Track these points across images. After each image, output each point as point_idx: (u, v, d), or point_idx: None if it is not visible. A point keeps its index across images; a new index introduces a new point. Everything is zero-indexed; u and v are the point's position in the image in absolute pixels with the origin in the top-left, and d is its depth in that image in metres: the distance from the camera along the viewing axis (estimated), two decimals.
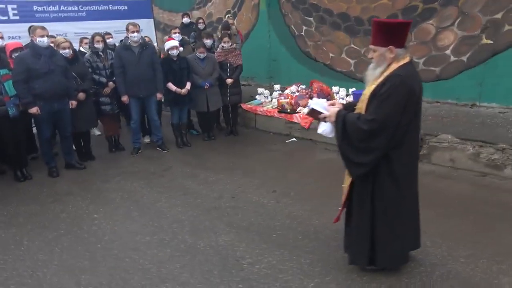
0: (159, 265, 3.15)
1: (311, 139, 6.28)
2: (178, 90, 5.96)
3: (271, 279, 2.91)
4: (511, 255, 2.98)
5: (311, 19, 8.01)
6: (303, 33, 8.25)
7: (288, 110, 6.72)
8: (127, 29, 5.55)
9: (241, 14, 9.36)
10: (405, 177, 2.67)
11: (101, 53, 5.70)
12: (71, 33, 7.28)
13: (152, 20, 8.80)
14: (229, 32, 7.08)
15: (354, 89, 7.11)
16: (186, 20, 8.29)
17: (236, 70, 6.59)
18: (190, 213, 3.99)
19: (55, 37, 5.67)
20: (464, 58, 6.17)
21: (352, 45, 7.49)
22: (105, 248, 3.43)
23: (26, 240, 3.60)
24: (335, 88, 7.23)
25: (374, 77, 2.66)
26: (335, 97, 7.06)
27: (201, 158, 5.67)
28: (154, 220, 3.88)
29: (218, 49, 6.56)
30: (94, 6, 7.84)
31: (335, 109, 2.76)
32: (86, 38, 6.19)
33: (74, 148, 5.66)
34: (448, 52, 6.33)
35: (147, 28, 8.60)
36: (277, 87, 7.92)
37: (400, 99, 2.48)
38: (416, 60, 6.70)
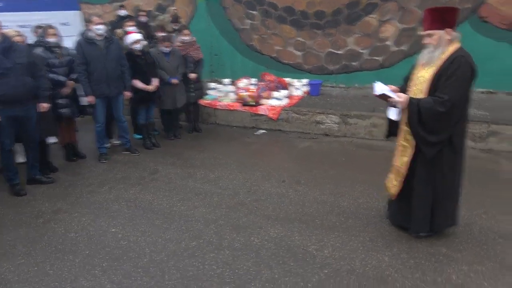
0: (229, 267, 2.97)
1: (280, 130, 6.44)
2: (146, 87, 5.52)
3: (349, 260, 3.01)
4: None
5: (255, 12, 8.11)
6: (247, 27, 8.30)
7: (252, 103, 6.75)
8: (90, 21, 4.92)
9: (175, 6, 8.95)
10: (461, 146, 3.02)
11: (55, 49, 4.93)
12: None
13: (79, 12, 7.83)
14: (184, 24, 6.77)
15: (306, 80, 7.49)
16: (122, 12, 7.62)
17: (199, 65, 6.36)
18: (218, 212, 3.81)
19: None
20: (404, 48, 7.00)
21: (298, 38, 7.83)
22: (154, 261, 3.08)
23: (66, 272, 3.00)
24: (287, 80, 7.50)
25: (432, 59, 2.91)
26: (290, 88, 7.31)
27: (182, 158, 5.37)
28: (185, 225, 3.61)
29: (178, 43, 6.24)
30: None
31: (406, 95, 2.95)
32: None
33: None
34: (389, 43, 7.10)
35: (74, 21, 7.63)
36: (226, 81, 7.85)
37: (468, 78, 2.79)
38: (360, 51, 7.37)
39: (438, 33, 2.86)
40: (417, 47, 6.81)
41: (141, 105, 5.69)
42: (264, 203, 3.96)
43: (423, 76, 2.97)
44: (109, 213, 3.89)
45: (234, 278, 2.86)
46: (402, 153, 3.17)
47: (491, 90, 6.37)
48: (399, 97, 2.96)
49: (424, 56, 3.01)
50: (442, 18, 2.86)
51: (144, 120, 5.80)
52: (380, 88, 3.07)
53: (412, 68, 3.21)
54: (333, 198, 4.01)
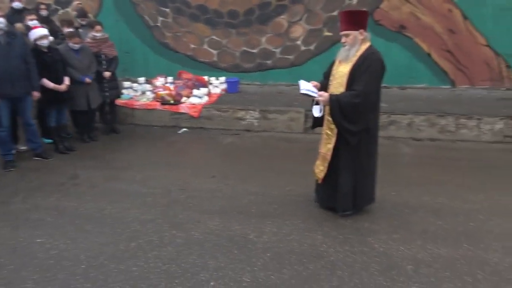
0: (175, 263, 2.98)
1: (202, 127, 6.50)
2: (57, 86, 5.14)
3: (287, 242, 3.24)
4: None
5: (168, 10, 8.01)
6: (159, 24, 8.16)
7: (172, 102, 6.69)
8: None
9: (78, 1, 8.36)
10: (376, 132, 3.47)
11: None
12: None
13: None
14: (95, 19, 6.41)
15: (224, 78, 7.66)
16: (17, 4, 6.87)
17: (113, 62, 6.11)
18: (154, 212, 3.76)
19: None
20: (312, 47, 7.58)
21: (213, 37, 7.96)
22: (93, 266, 2.93)
23: None
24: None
25: (349, 57, 3.29)
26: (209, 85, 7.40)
27: (104, 160, 5.13)
28: (119, 227, 3.48)
29: (88, 39, 5.90)
30: None
31: (326, 94, 3.27)
32: None
33: None
34: (299, 42, 7.63)
35: None
36: (142, 80, 7.64)
37: (379, 71, 3.22)
38: (273, 50, 7.79)
39: (353, 33, 3.24)
40: (323, 46, 7.46)
41: (51, 106, 5.25)
42: (198, 199, 4.01)
43: (341, 71, 3.34)
44: (29, 223, 3.57)
45: (182, 271, 2.88)
46: (327, 140, 3.51)
47: (386, 85, 7.25)
48: (321, 96, 3.28)
49: (341, 53, 3.38)
50: (356, 20, 3.25)
51: (55, 122, 5.37)
52: (304, 85, 3.36)
53: (331, 65, 3.57)
54: (263, 188, 4.23)
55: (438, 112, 5.70)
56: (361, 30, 3.24)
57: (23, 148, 5.41)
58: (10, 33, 4.58)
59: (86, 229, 3.46)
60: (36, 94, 4.92)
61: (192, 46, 8.09)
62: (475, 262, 2.90)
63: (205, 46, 8.04)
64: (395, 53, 7.07)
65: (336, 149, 3.45)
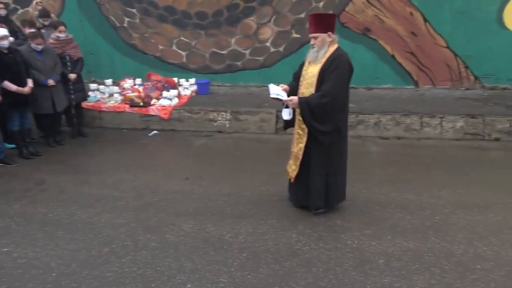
0: (150, 266, 2.95)
1: (173, 129, 6.44)
2: (20, 89, 4.95)
3: (262, 242, 3.27)
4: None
5: (134, 10, 7.88)
6: (125, 25, 8.01)
7: (141, 104, 6.59)
8: None
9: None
10: (345, 132, 3.58)
11: None
12: None
13: None
14: (58, 20, 6.20)
15: (194, 79, 7.61)
16: None
17: (78, 64, 5.96)
18: (126, 216, 3.70)
19: None
20: (281, 49, 7.68)
21: (182, 38, 7.89)
22: (65, 274, 2.85)
23: None
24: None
25: (317, 58, 3.38)
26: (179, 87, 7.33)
27: (71, 164, 4.98)
28: (91, 232, 3.41)
29: (52, 40, 5.71)
30: None
31: (295, 97, 3.34)
32: None
33: None
34: (268, 44, 7.70)
35: None
36: (109, 82, 7.46)
37: (346, 72, 3.32)
38: (242, 51, 7.83)
39: (321, 35, 3.32)
40: (292, 48, 7.57)
41: (14, 109, 5.04)
42: (171, 201, 3.98)
43: (311, 72, 3.42)
44: None
45: (158, 275, 2.86)
46: (298, 140, 3.58)
47: (353, 86, 7.45)
48: (290, 99, 3.34)
49: (311, 55, 3.46)
50: (325, 23, 3.34)
51: (19, 126, 5.16)
52: (273, 89, 3.42)
53: (301, 66, 3.65)
54: (236, 189, 4.25)
55: (403, 112, 5.93)
56: (329, 33, 3.32)
57: None
58: None
59: (56, 236, 3.36)
60: None
61: (161, 47, 7.99)
62: (442, 254, 3.05)
63: (174, 48, 7.96)
64: (361, 55, 7.27)
65: (307, 148, 3.52)
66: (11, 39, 5.08)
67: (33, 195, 4.12)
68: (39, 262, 3.00)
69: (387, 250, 3.13)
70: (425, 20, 7.03)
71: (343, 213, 3.69)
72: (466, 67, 7.12)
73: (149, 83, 7.18)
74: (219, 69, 7.96)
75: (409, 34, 7.16)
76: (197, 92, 7.36)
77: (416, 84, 7.39)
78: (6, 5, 7.14)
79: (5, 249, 3.16)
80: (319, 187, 3.55)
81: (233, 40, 7.71)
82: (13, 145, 5.38)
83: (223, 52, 7.82)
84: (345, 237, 3.32)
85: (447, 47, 7.08)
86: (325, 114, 3.29)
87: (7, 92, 4.83)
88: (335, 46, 3.39)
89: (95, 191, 4.19)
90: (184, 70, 8.00)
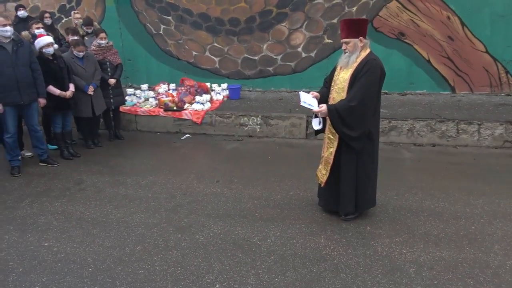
0: (180, 266, 3.03)
1: (204, 133, 6.57)
2: (63, 93, 5.22)
3: (290, 246, 3.28)
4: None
5: (170, 18, 8.12)
6: (161, 32, 8.27)
7: (175, 108, 6.77)
8: None
9: (81, 9, 8.51)
10: (377, 137, 3.54)
11: None
12: None
13: None
14: (100, 27, 6.52)
15: (226, 84, 7.74)
16: (22, 13, 7.01)
17: (117, 69, 6.20)
18: (158, 216, 3.81)
19: None
20: (313, 54, 7.67)
21: (215, 44, 8.06)
22: (100, 269, 2.98)
23: None
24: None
25: (349, 63, 3.37)
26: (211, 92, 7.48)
27: (108, 166, 5.18)
28: (125, 231, 3.54)
29: (93, 47, 6.00)
30: None
31: (324, 105, 3.35)
32: None
33: None
34: (299, 49, 7.72)
35: None
36: (144, 86, 7.72)
37: (377, 77, 3.29)
38: (274, 57, 7.89)
39: (353, 41, 3.32)
40: (323, 53, 7.55)
41: (56, 113, 5.33)
42: (202, 203, 4.07)
43: (343, 77, 3.41)
44: (37, 227, 3.62)
45: (187, 274, 2.93)
46: (329, 145, 3.58)
47: (386, 91, 7.34)
48: (320, 110, 3.35)
49: (342, 60, 3.46)
50: (356, 28, 3.33)
51: (61, 129, 5.44)
52: (304, 97, 3.44)
53: (332, 71, 3.65)
54: (266, 193, 4.28)
55: (438, 118, 5.77)
56: (361, 38, 3.31)
57: (29, 154, 5.49)
58: (17, 41, 4.66)
59: (93, 233, 3.51)
60: (42, 101, 5.00)
61: (194, 53, 8.19)
62: (477, 265, 2.94)
63: (207, 53, 8.14)
64: (395, 60, 7.15)
65: (338, 153, 3.50)
66: (56, 46, 5.37)
67: (72, 194, 4.33)
68: (76, 257, 3.15)
69: (418, 258, 3.06)
70: (463, 24, 6.82)
71: (373, 220, 3.64)
72: (507, 72, 6.84)
73: (182, 88, 7.37)
74: (251, 75, 8.06)
75: (445, 39, 6.97)
76: (228, 97, 7.48)
77: (452, 89, 7.17)
78: (52, 15, 7.57)
79: (46, 244, 3.35)
80: (349, 193, 3.52)
81: (265, 46, 7.79)
82: (55, 146, 5.68)
83: (255, 57, 7.92)
84: (375, 244, 3.27)
85: (486, 52, 6.83)
86: (354, 119, 3.27)
87: (51, 96, 5.11)
88: (367, 51, 3.38)
89: (130, 192, 4.35)
90: (217, 76, 8.16)
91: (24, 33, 5.53)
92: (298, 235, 3.43)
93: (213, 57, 8.14)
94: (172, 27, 8.17)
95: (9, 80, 4.58)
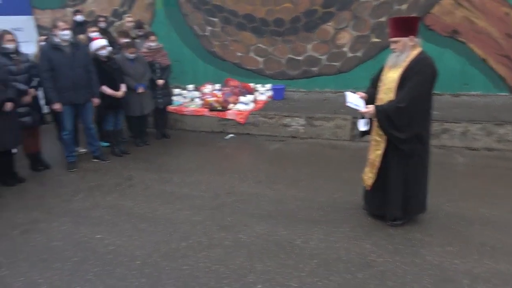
0: (223, 264, 3.06)
1: (248, 133, 6.61)
2: (114, 93, 5.46)
3: (334, 249, 3.22)
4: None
5: (216, 19, 8.25)
6: (207, 33, 8.42)
7: (219, 108, 6.86)
8: (55, 26, 4.80)
9: (133, 13, 8.86)
10: (428, 140, 3.38)
11: (13, 55, 4.74)
12: None
13: (32, 17, 7.47)
14: (150, 30, 6.76)
15: (270, 85, 7.75)
16: (79, 17, 7.42)
17: (166, 71, 6.38)
18: (203, 214, 3.88)
19: None
20: (359, 54, 7.48)
21: (259, 45, 8.08)
22: (147, 263, 3.09)
23: (57, 280, 2.92)
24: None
25: (398, 63, 3.24)
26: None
27: (155, 163, 5.36)
28: (171, 227, 3.64)
29: (144, 49, 6.22)
30: None
31: (372, 106, 3.25)
32: None
33: None
34: (345, 49, 7.56)
35: (27, 27, 7.29)
36: (191, 87, 7.90)
37: (429, 77, 3.14)
38: (319, 57, 7.77)
39: (403, 39, 3.19)
40: (370, 53, 7.34)
41: (109, 111, 5.59)
42: (245, 203, 4.09)
43: (391, 77, 3.29)
44: (90, 220, 3.81)
45: (230, 273, 2.96)
46: (376, 147, 3.47)
47: (438, 92, 7.00)
48: (367, 110, 3.25)
49: (391, 59, 3.34)
50: (406, 27, 3.20)
51: (112, 127, 5.70)
52: (350, 98, 3.35)
53: (379, 71, 3.53)
54: (310, 194, 4.23)
55: (495, 121, 5.41)
56: (411, 36, 3.18)
57: (83, 150, 5.80)
58: (74, 44, 4.94)
59: (141, 228, 3.64)
60: (96, 101, 5.26)
61: (239, 54, 8.27)
62: None
63: (252, 54, 8.19)
64: (448, 59, 6.81)
65: (385, 155, 3.39)
66: (109, 48, 5.63)
67: (122, 189, 4.52)
68: (125, 250, 3.28)
69: (472, 270, 2.89)
70: None
71: (423, 227, 3.48)
72: None
73: (227, 89, 7.46)
74: (295, 75, 8.00)
75: (504, 36, 6.53)
76: (272, 98, 7.48)
77: (511, 90, 6.71)
78: (106, 18, 7.96)
79: (99, 236, 3.52)
80: (397, 197, 3.40)
81: (309, 46, 7.71)
82: (107, 144, 5.97)
83: (299, 58, 7.86)
84: (425, 252, 3.13)
85: None
86: (404, 120, 3.15)
87: (104, 96, 5.36)
88: (418, 49, 3.24)
89: (176, 189, 4.47)
90: (261, 76, 8.19)
91: (81, 37, 5.85)
92: (343, 239, 3.36)
93: (257, 57, 8.18)
94: (218, 29, 8.29)
95: (67, 81, 4.85)
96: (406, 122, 3.16)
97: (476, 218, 3.58)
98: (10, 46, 4.67)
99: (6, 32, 4.73)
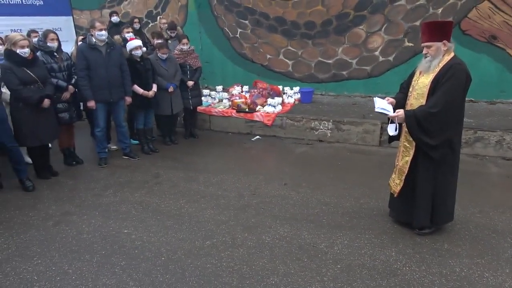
0: (246, 264, 3.09)
1: (274, 136, 6.61)
2: (145, 92, 5.60)
3: (358, 256, 3.18)
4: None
5: (247, 22, 8.32)
6: (238, 35, 8.50)
7: (247, 110, 6.91)
8: (93, 26, 4.98)
9: (166, 14, 9.08)
10: (459, 147, 3.28)
11: (55, 53, 4.96)
12: None
13: (71, 18, 7.79)
14: (183, 33, 6.91)
15: (298, 88, 7.74)
16: (115, 19, 7.66)
17: (196, 72, 6.48)
18: (227, 214, 3.92)
19: None
20: (391, 58, 7.35)
21: (289, 47, 8.09)
22: (172, 259, 3.16)
23: (86, 271, 3.05)
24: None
25: (430, 68, 3.16)
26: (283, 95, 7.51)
27: (183, 162, 5.45)
28: (196, 225, 3.70)
29: (176, 51, 6.34)
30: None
31: (401, 110, 3.19)
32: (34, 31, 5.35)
33: (31, 163, 4.89)
34: (377, 53, 7.44)
35: (66, 27, 7.59)
36: (219, 88, 7.99)
37: (462, 82, 3.04)
38: (349, 60, 7.69)
39: (435, 44, 3.11)
40: (403, 57, 7.20)
41: (140, 110, 5.74)
42: (269, 205, 4.10)
43: (422, 82, 3.22)
44: (118, 215, 3.93)
45: (253, 273, 2.97)
46: (404, 153, 3.40)
47: (472, 99, 6.78)
48: (396, 114, 3.19)
49: (423, 64, 3.26)
50: (439, 31, 3.12)
51: (143, 125, 5.85)
52: (379, 103, 3.30)
53: (410, 76, 3.46)
54: (335, 199, 4.19)
55: None
56: (445, 41, 3.10)
57: (114, 147, 5.98)
58: (110, 45, 5.11)
59: (167, 225, 3.72)
60: (128, 99, 5.42)
61: (269, 56, 8.30)
62: None
63: (281, 57, 8.20)
64: (484, 65, 6.58)
65: (414, 162, 3.31)
66: (144, 49, 5.79)
67: (150, 186, 4.63)
68: (151, 246, 3.37)
69: (503, 284, 2.78)
70: None
71: (452, 237, 3.38)
72: None
73: (255, 90, 7.50)
74: (324, 78, 7.95)
75: None
76: (300, 101, 7.46)
77: None
78: (140, 20, 8.19)
79: (126, 231, 3.62)
80: (425, 204, 3.31)
81: (340, 49, 7.65)
82: (136, 141, 6.13)
83: (329, 61, 7.80)
84: (453, 263, 3.03)
85: None
86: (434, 126, 3.07)
87: (135, 95, 5.51)
88: (451, 55, 3.15)
89: (202, 188, 4.54)
90: (289, 79, 8.19)
91: (116, 37, 6.03)
92: (367, 246, 3.31)
93: (286, 60, 8.19)
94: (248, 31, 8.36)
95: (102, 80, 5.03)
96: (437, 128, 3.08)
97: (508, 231, 3.44)
98: (53, 44, 4.89)
99: (50, 31, 4.96)
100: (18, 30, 6.41)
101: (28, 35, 5.93)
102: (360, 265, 3.06)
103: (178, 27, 7.48)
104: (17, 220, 3.86)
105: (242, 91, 7.78)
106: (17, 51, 4.32)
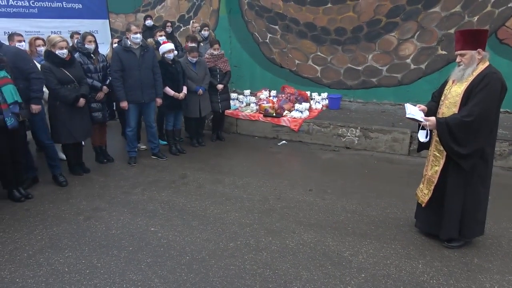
0: (269, 268, 3.09)
1: (301, 141, 6.59)
2: (176, 94, 5.72)
3: (383, 266, 3.12)
4: None
5: (277, 27, 8.37)
6: (267, 40, 8.55)
7: (274, 114, 6.93)
8: (128, 30, 5.15)
9: (198, 18, 9.26)
10: (491, 158, 3.18)
11: (92, 55, 5.15)
12: (21, 32, 6.34)
13: (107, 21, 8.09)
14: (214, 38, 7.06)
15: (326, 94, 7.69)
16: (149, 22, 7.88)
17: (226, 76, 6.57)
18: (251, 217, 3.94)
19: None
20: (423, 66, 7.20)
21: (319, 53, 8.06)
22: (196, 259, 3.21)
23: (114, 265, 3.15)
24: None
25: (464, 77, 3.09)
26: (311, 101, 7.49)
27: (209, 164, 5.53)
28: (220, 227, 3.74)
29: (207, 55, 6.46)
30: (47, 3, 6.91)
31: (433, 118, 3.12)
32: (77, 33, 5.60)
33: (65, 159, 5.10)
34: (408, 60, 7.31)
35: (102, 29, 7.88)
36: (247, 92, 8.05)
37: (496, 92, 2.96)
38: (379, 68, 7.58)
39: (469, 53, 3.04)
40: (435, 65, 7.04)
41: (170, 111, 5.87)
42: (294, 210, 4.10)
43: (455, 91, 3.14)
44: (146, 213, 4.03)
45: (275, 278, 2.98)
46: (434, 163, 3.32)
47: (508, 110, 6.55)
48: (427, 120, 3.13)
49: (456, 73, 3.18)
50: (474, 40, 3.04)
51: (172, 126, 5.98)
52: (410, 109, 3.24)
53: (443, 85, 3.39)
54: (361, 207, 4.14)
55: None
56: (479, 49, 3.02)
57: (144, 147, 6.14)
58: (144, 47, 5.26)
59: (192, 225, 3.78)
60: (159, 101, 5.56)
61: (297, 61, 8.31)
62: None
63: (310, 62, 8.19)
64: None
65: (444, 172, 3.24)
66: (176, 52, 5.93)
67: (177, 186, 4.72)
68: (176, 245, 3.43)
69: None
70: None
71: (483, 252, 3.27)
72: None
73: (283, 95, 7.52)
74: (353, 85, 7.88)
75: None
76: (328, 107, 7.42)
77: None
78: (172, 24, 8.39)
79: (153, 229, 3.71)
80: (453, 216, 3.23)
81: (370, 56, 7.56)
82: (165, 142, 6.27)
83: (359, 68, 7.73)
84: (483, 279, 2.94)
85: None
86: (466, 135, 2.99)
87: (166, 96, 5.65)
88: (486, 63, 3.07)
89: (227, 191, 4.58)
90: (318, 85, 8.16)
91: (150, 40, 6.21)
92: (393, 256, 3.25)
93: (315, 66, 8.16)
94: (278, 36, 8.41)
95: (135, 81, 5.18)
96: (469, 137, 3.00)
97: None
98: (90, 46, 5.09)
99: (87, 33, 5.17)
100: (58, 32, 6.73)
101: (71, 36, 6.23)
102: (385, 275, 3.01)
103: (211, 31, 7.60)
104: (50, 213, 4.03)
105: (269, 96, 7.82)
106: (56, 52, 4.51)
